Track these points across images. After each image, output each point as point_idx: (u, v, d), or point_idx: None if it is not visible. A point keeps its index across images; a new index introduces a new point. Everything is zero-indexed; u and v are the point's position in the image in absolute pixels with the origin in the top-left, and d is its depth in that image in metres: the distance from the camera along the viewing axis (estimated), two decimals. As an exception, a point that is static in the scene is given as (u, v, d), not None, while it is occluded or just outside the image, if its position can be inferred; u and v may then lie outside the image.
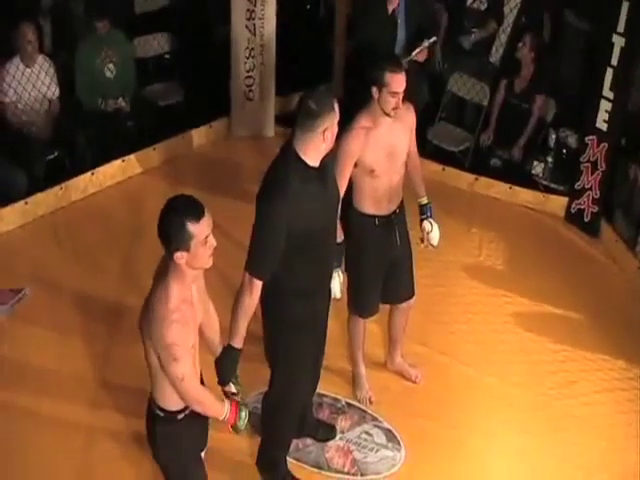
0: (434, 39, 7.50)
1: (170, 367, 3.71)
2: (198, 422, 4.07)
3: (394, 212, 5.45)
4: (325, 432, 5.59)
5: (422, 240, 5.62)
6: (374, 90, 5.06)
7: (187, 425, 3.99)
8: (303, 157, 4.30)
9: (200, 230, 3.61)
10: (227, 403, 4.04)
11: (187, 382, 3.77)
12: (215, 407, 3.98)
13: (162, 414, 3.95)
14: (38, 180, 7.52)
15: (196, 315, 3.83)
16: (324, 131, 4.26)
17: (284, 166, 4.32)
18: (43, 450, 5.36)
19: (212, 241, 3.68)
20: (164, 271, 3.73)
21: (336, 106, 4.29)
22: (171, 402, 3.92)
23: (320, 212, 4.41)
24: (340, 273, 5.16)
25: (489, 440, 5.65)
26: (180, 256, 3.62)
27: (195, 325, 3.82)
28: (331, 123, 4.28)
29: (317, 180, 4.37)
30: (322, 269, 4.68)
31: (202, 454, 4.24)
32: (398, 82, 5.02)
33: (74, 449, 5.39)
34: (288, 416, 5.04)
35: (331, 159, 4.57)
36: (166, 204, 3.67)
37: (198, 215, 3.61)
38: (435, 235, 5.60)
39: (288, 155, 4.32)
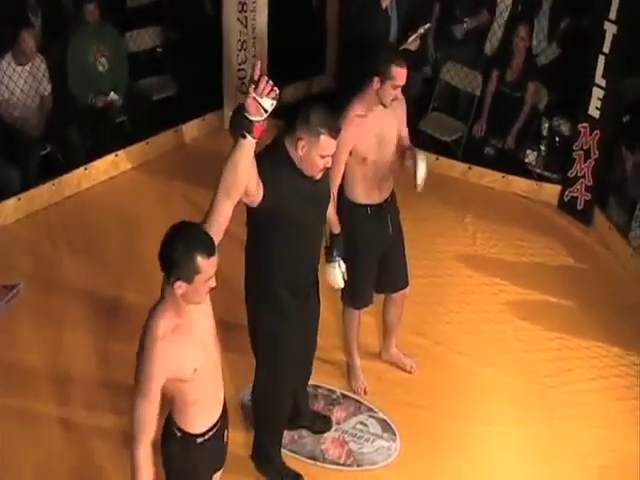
0: (428, 25, 7.50)
1: (134, 392, 3.59)
2: (216, 446, 3.96)
3: (386, 201, 5.47)
4: (321, 423, 5.60)
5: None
6: (376, 81, 5.08)
7: (204, 449, 3.87)
8: (290, 153, 4.35)
9: (208, 267, 3.48)
10: None
11: (138, 416, 3.59)
12: (141, 471, 3.65)
13: (180, 434, 3.83)
14: (31, 176, 7.51)
15: (199, 337, 3.69)
16: (299, 140, 4.27)
17: (272, 152, 4.37)
18: (38, 448, 5.35)
19: (213, 282, 3.55)
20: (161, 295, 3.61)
21: (325, 138, 4.26)
22: (193, 425, 3.82)
23: (305, 206, 4.42)
24: (341, 262, 5.15)
25: (485, 429, 5.67)
26: (179, 286, 3.47)
27: (195, 348, 3.66)
28: (309, 143, 4.26)
29: (304, 176, 4.39)
30: (306, 263, 4.67)
31: (218, 474, 4.12)
32: (403, 76, 5.09)
33: (70, 447, 5.38)
34: (276, 406, 5.04)
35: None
36: (175, 230, 3.52)
37: (210, 251, 3.48)
38: (422, 169, 5.31)
39: (278, 144, 4.39)
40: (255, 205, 4.22)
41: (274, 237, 4.46)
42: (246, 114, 3.66)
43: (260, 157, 4.06)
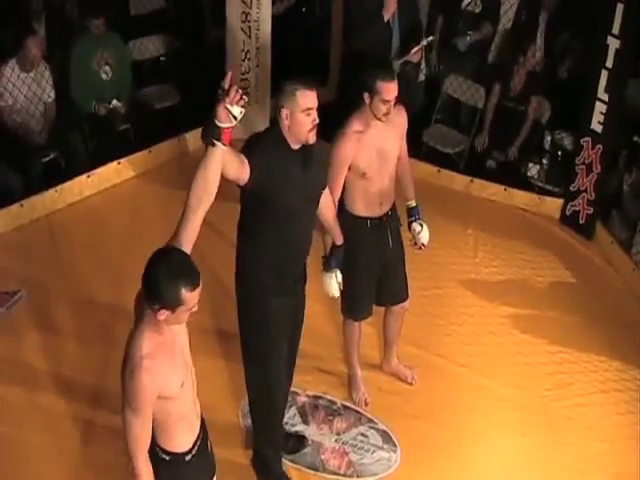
0: (431, 38, 7.51)
1: (125, 411, 3.56)
2: (204, 458, 3.94)
3: (386, 214, 5.47)
4: (295, 443, 5.54)
5: (412, 241, 5.64)
6: (366, 96, 5.10)
7: (194, 465, 3.85)
8: (284, 135, 4.46)
9: (192, 298, 3.46)
10: None
11: (133, 434, 3.58)
12: None
13: (168, 458, 3.79)
14: (34, 182, 7.51)
15: (181, 351, 3.70)
16: (282, 108, 4.39)
17: (264, 133, 4.58)
18: (37, 452, 5.35)
19: (195, 308, 3.52)
20: (141, 313, 3.57)
21: (300, 92, 4.37)
22: (178, 443, 3.79)
23: (293, 190, 4.47)
24: (338, 273, 5.17)
25: (485, 441, 5.67)
26: (162, 314, 3.44)
27: (178, 363, 3.66)
28: (290, 105, 4.37)
29: (295, 160, 4.49)
30: (292, 249, 4.69)
31: None
32: (389, 90, 5.07)
33: (68, 452, 5.38)
34: (269, 404, 5.03)
35: (322, 149, 4.65)
36: (161, 257, 3.49)
37: (195, 283, 3.45)
38: (425, 235, 5.63)
39: (272, 127, 4.57)
40: (243, 183, 4.30)
41: (261, 222, 4.54)
42: (215, 121, 3.75)
43: (254, 140, 4.33)
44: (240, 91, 3.74)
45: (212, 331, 6.15)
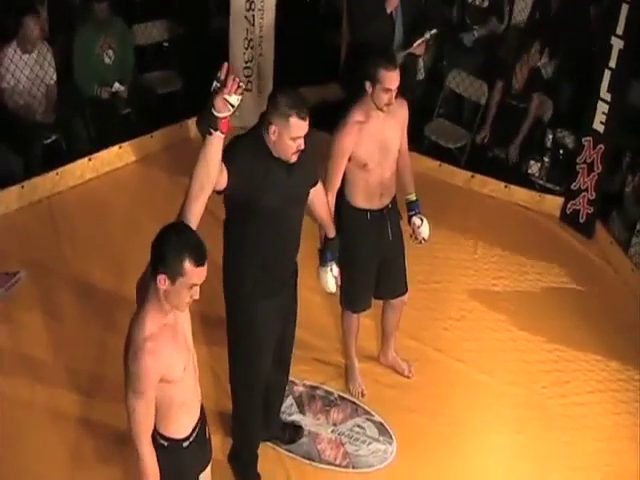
0: (435, 31, 7.49)
1: (128, 395, 3.57)
2: (202, 445, 3.95)
3: (386, 207, 5.46)
4: (292, 433, 5.55)
5: (412, 236, 5.62)
6: (367, 85, 5.08)
7: (190, 452, 3.86)
8: (267, 142, 4.39)
9: (193, 274, 3.47)
10: None
11: (137, 418, 3.60)
12: (148, 471, 3.70)
13: (166, 443, 3.78)
14: (35, 164, 7.50)
15: (183, 336, 3.72)
16: (271, 124, 4.31)
17: (245, 138, 4.43)
18: (36, 438, 5.34)
19: (196, 293, 3.55)
20: (146, 293, 3.58)
21: (294, 120, 4.28)
22: (177, 429, 3.81)
23: (276, 194, 4.40)
24: (334, 267, 5.12)
25: (481, 437, 5.67)
26: (163, 281, 3.46)
27: (181, 347, 3.68)
28: (280, 126, 4.29)
29: (278, 164, 4.40)
30: (278, 252, 4.62)
31: (207, 471, 4.12)
32: (391, 79, 5.05)
33: (67, 437, 5.37)
34: (247, 400, 5.01)
35: (311, 155, 4.58)
36: (173, 227, 3.56)
37: (199, 260, 3.48)
38: (425, 229, 5.61)
39: (254, 132, 4.43)
40: (220, 189, 4.20)
41: (246, 227, 4.49)
42: (213, 111, 3.73)
43: (235, 143, 4.19)
44: (237, 79, 3.72)
45: (212, 319, 6.13)
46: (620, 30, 7.03)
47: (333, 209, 5.18)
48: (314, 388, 5.86)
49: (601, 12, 8.09)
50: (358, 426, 5.68)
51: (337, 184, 5.22)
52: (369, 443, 5.57)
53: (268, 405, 5.22)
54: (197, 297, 3.56)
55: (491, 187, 8.07)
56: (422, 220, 5.60)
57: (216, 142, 3.83)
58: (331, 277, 5.12)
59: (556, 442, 5.66)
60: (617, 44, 7.07)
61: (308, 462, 5.41)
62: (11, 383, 5.68)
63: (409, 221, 5.62)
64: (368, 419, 5.72)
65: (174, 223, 3.60)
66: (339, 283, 5.17)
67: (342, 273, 5.20)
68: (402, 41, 7.54)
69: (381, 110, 5.13)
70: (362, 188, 5.35)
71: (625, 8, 6.95)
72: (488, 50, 8.54)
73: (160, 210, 6.74)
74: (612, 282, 7.17)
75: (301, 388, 5.86)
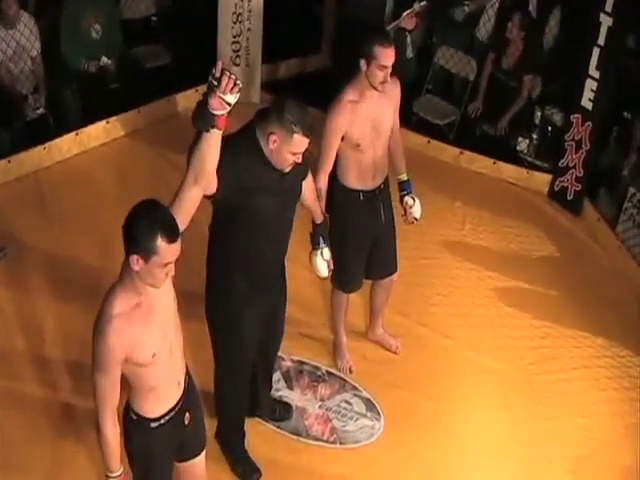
0: (424, 3, 7.43)
1: (93, 369, 3.56)
2: (174, 430, 3.92)
3: (379, 187, 5.44)
4: (282, 411, 5.55)
5: (404, 215, 5.62)
6: (362, 63, 5.01)
7: (159, 434, 3.87)
8: (262, 146, 4.27)
9: (167, 252, 3.43)
10: (121, 469, 3.80)
11: (100, 392, 3.59)
12: (110, 456, 3.73)
13: (135, 417, 3.83)
14: (22, 138, 7.46)
15: (162, 322, 3.68)
16: (271, 134, 4.21)
17: (237, 139, 4.28)
18: (18, 421, 5.33)
19: (171, 270, 3.51)
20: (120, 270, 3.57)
21: (298, 137, 4.19)
22: (144, 408, 3.82)
23: (270, 198, 4.34)
24: (326, 250, 5.08)
25: (468, 412, 5.70)
26: (136, 261, 3.43)
27: (154, 331, 3.63)
28: (282, 139, 4.20)
29: (270, 167, 4.30)
30: (266, 257, 4.57)
31: (200, 457, 4.16)
32: (387, 56, 4.99)
33: (48, 424, 5.35)
34: (230, 392, 4.99)
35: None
36: (143, 205, 3.49)
37: (172, 237, 3.43)
38: (417, 209, 5.61)
39: (247, 133, 4.32)
40: (209, 194, 4.03)
41: (233, 229, 4.41)
42: (209, 109, 3.66)
43: (226, 144, 3.96)
44: (233, 77, 3.64)
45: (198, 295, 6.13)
46: (609, 7, 7.00)
47: (326, 189, 5.16)
48: (301, 363, 5.87)
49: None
50: (346, 402, 5.69)
51: (330, 164, 5.18)
52: (357, 419, 5.59)
53: (255, 388, 5.21)
54: (172, 273, 3.53)
55: (480, 163, 8.06)
56: (414, 200, 5.59)
57: (214, 138, 3.75)
58: (322, 261, 5.09)
59: (542, 418, 5.69)
60: (606, 21, 7.04)
61: (296, 438, 5.43)
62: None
63: (401, 201, 5.61)
64: (356, 395, 5.74)
65: (144, 201, 3.51)
66: (331, 267, 5.14)
67: (334, 253, 5.16)
68: (392, 13, 7.50)
69: (376, 89, 5.07)
70: (354, 168, 5.31)
71: (614, -15, 6.93)
72: (477, 27, 8.48)
73: (147, 185, 6.81)
74: (599, 259, 7.19)
75: (288, 363, 5.87)
